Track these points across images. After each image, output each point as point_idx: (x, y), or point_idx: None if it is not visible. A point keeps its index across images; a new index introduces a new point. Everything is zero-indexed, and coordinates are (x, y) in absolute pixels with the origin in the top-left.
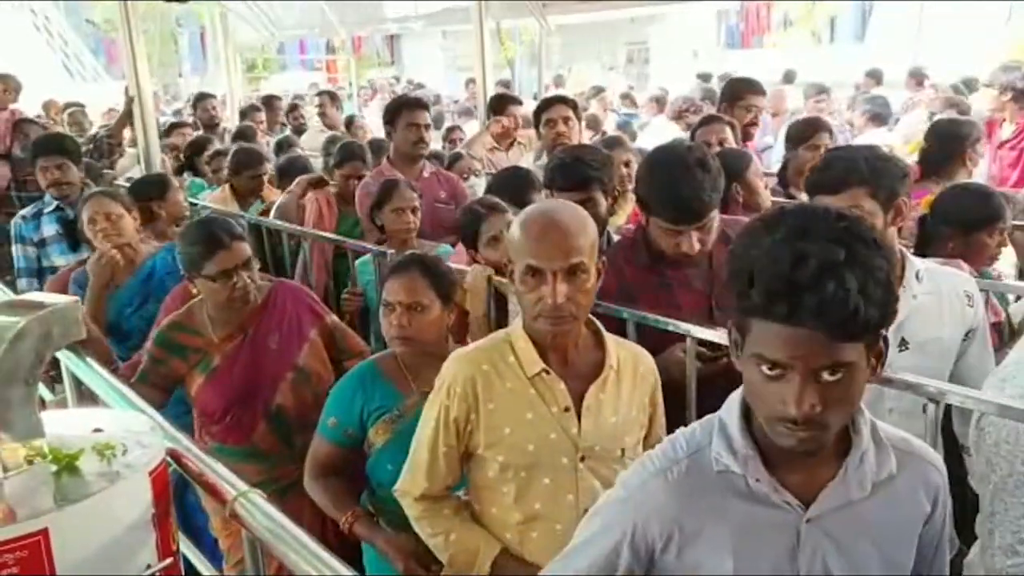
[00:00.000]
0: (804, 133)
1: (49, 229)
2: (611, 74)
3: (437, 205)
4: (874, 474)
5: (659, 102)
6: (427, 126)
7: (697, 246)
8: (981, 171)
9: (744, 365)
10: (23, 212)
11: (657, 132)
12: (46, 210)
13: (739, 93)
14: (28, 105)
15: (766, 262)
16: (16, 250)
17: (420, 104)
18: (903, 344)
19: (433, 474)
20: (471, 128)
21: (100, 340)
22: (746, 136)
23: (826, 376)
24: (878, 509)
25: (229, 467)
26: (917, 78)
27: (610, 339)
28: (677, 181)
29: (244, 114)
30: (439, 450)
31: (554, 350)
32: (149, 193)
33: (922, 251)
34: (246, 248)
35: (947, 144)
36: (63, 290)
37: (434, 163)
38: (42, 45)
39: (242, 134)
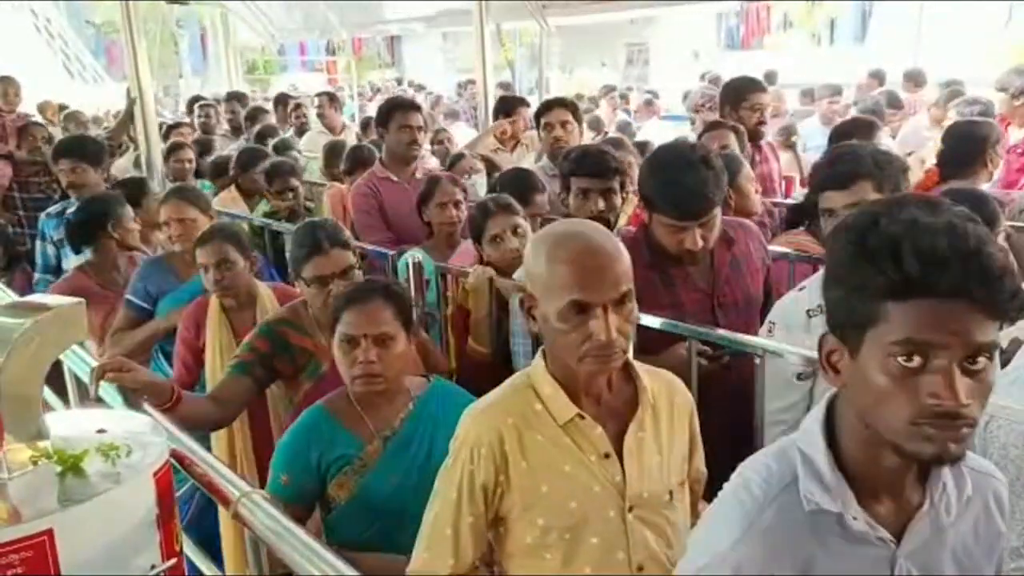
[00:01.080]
0: (862, 135)
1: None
2: (606, 73)
3: None
4: (956, 497)
5: (649, 105)
6: (420, 128)
7: (700, 243)
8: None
9: (864, 366)
10: (49, 210)
11: (651, 134)
12: (70, 209)
13: (742, 94)
14: (32, 107)
15: (918, 233)
16: (39, 246)
17: (413, 106)
18: None
19: (459, 551)
20: (455, 130)
21: (155, 383)
22: (756, 136)
23: (975, 362)
24: (962, 533)
25: None
26: (915, 80)
27: (641, 369)
28: (681, 178)
29: (252, 117)
30: (463, 522)
31: (586, 391)
32: (100, 214)
33: None
34: (347, 257)
35: (966, 146)
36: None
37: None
38: (43, 46)
39: (263, 135)
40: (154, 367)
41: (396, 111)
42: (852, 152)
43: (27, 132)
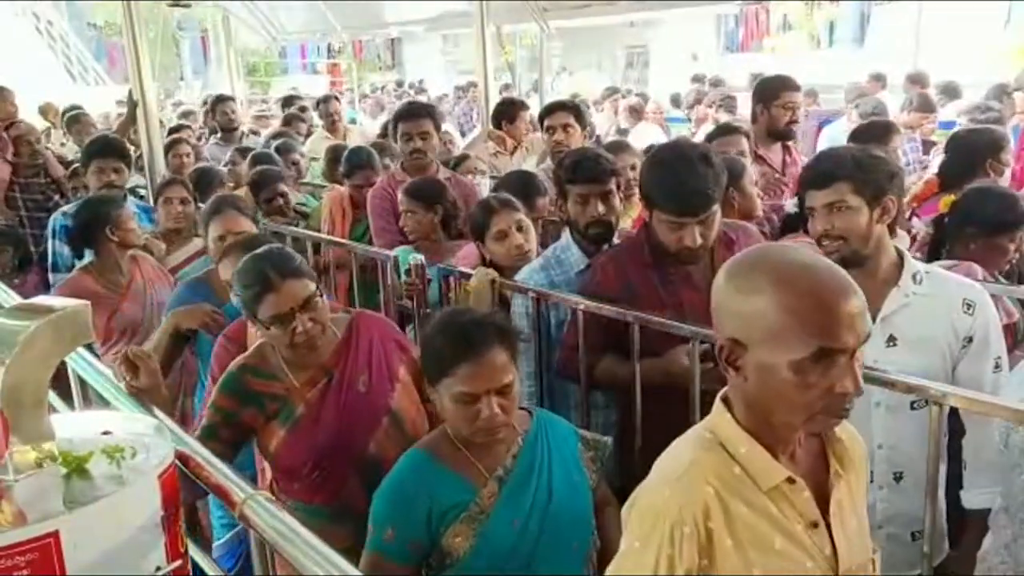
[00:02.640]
0: (878, 138)
1: None
2: (605, 75)
3: None
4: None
5: (637, 111)
6: (421, 134)
7: (699, 240)
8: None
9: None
10: (64, 208)
11: (640, 137)
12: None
13: (775, 92)
14: (33, 109)
15: None
16: (54, 245)
17: (415, 114)
18: (891, 340)
19: None
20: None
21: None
22: (788, 135)
23: None
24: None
25: (314, 530)
26: (919, 83)
27: None
28: (680, 174)
29: (288, 121)
30: None
31: (784, 449)
32: (97, 217)
33: (937, 252)
34: (304, 286)
35: (966, 155)
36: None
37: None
38: (44, 49)
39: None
40: (201, 400)
41: (399, 121)
42: (835, 153)
43: (21, 138)
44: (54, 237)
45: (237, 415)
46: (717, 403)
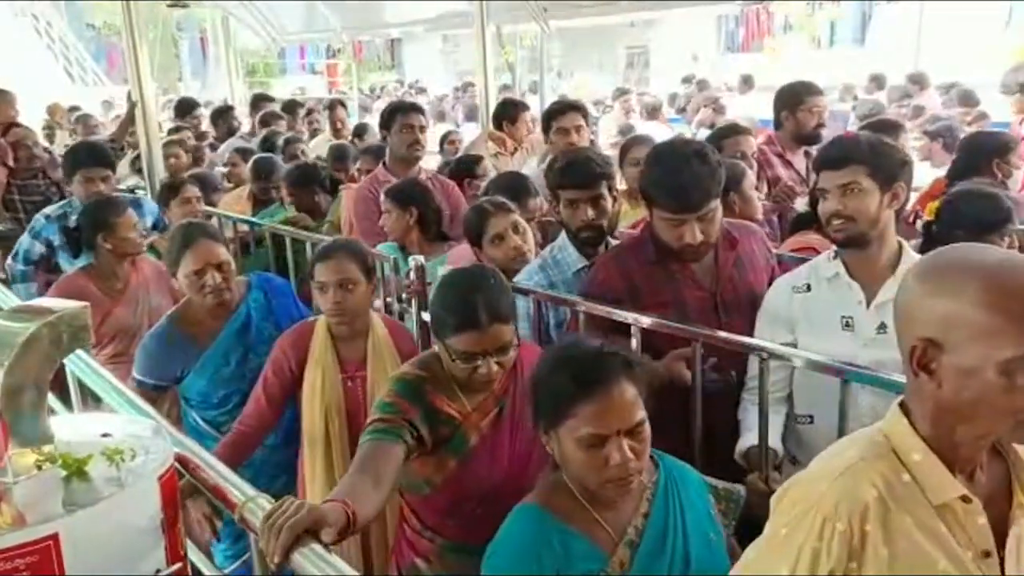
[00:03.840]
0: (888, 135)
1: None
2: (605, 76)
3: None
4: None
5: (656, 109)
6: (422, 128)
7: (700, 236)
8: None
9: None
10: (47, 211)
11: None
12: (73, 216)
13: (800, 97)
14: (32, 110)
15: None
16: (26, 240)
17: (415, 108)
18: (882, 327)
19: None
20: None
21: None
22: (815, 139)
23: None
24: None
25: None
26: (920, 84)
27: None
28: (677, 171)
29: (266, 121)
30: None
31: (963, 467)
32: (94, 223)
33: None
34: (507, 332)
35: (974, 156)
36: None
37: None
38: (43, 50)
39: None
40: (188, 428)
41: (398, 113)
42: (851, 137)
43: (19, 143)
44: (32, 236)
45: (418, 427)
46: (894, 407)
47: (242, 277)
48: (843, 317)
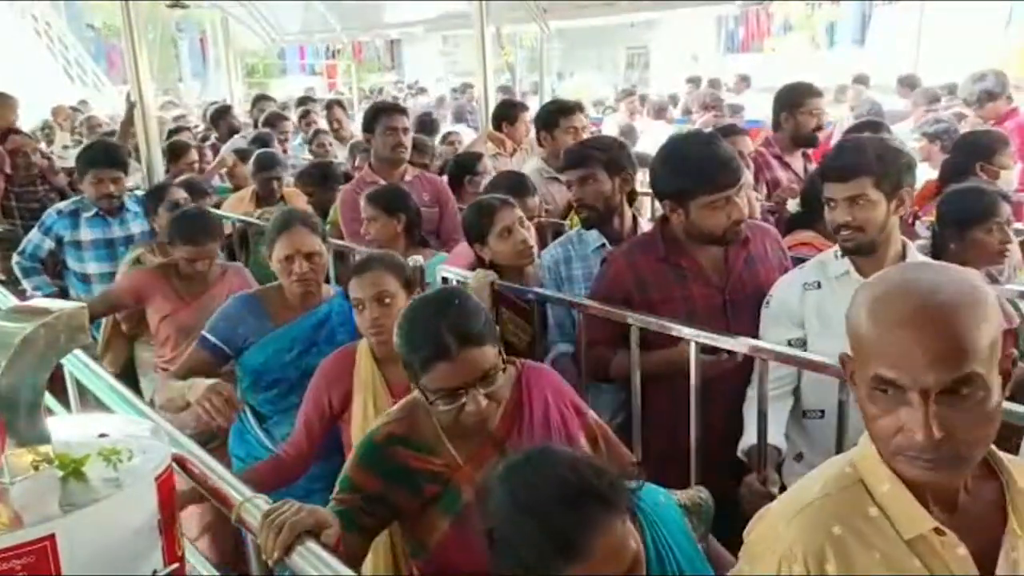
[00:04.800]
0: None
1: (89, 234)
2: (605, 77)
3: (421, 208)
4: None
5: (662, 109)
6: (405, 130)
7: (746, 209)
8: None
9: None
10: (59, 206)
11: (655, 136)
12: (85, 213)
13: (799, 99)
14: (32, 110)
15: None
16: (35, 236)
17: (398, 109)
18: None
19: None
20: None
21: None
22: (814, 142)
23: None
24: None
25: None
26: (909, 85)
27: (1005, 460)
28: (707, 154)
29: (269, 121)
30: None
31: (937, 495)
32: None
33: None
34: (484, 356)
35: (964, 157)
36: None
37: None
38: (43, 50)
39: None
40: (238, 435)
41: (381, 114)
42: (857, 147)
43: (17, 150)
44: (41, 230)
45: (384, 497)
46: (865, 434)
47: (334, 287)
48: None
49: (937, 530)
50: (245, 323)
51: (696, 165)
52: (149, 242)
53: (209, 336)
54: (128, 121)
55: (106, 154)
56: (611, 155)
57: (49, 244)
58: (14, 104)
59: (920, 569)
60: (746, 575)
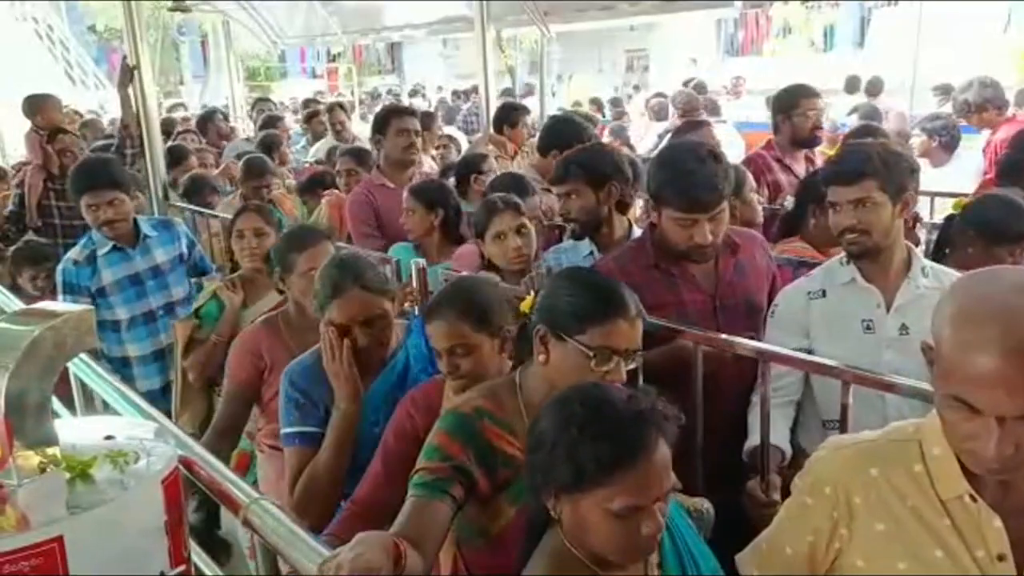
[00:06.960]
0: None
1: (109, 275)
2: (604, 79)
3: None
4: None
5: (662, 111)
6: (416, 132)
7: (710, 237)
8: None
9: None
10: (73, 256)
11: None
12: (100, 251)
13: (794, 101)
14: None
15: None
16: (65, 302)
17: (409, 111)
18: (904, 328)
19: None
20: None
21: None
22: (814, 142)
23: None
24: None
25: None
26: (944, 92)
27: None
28: (690, 171)
29: (270, 123)
30: (782, 548)
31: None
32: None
33: (941, 251)
34: (638, 331)
35: (1019, 154)
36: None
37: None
38: (44, 53)
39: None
40: None
41: (393, 116)
42: (861, 149)
43: (65, 150)
44: (67, 292)
45: (469, 472)
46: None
47: (404, 322)
48: (864, 320)
49: (971, 496)
50: (321, 395)
51: (674, 178)
52: (217, 277)
53: (293, 429)
54: (123, 84)
55: (95, 173)
56: (594, 168)
57: (86, 302)
58: (58, 103)
59: (949, 529)
60: (796, 489)
